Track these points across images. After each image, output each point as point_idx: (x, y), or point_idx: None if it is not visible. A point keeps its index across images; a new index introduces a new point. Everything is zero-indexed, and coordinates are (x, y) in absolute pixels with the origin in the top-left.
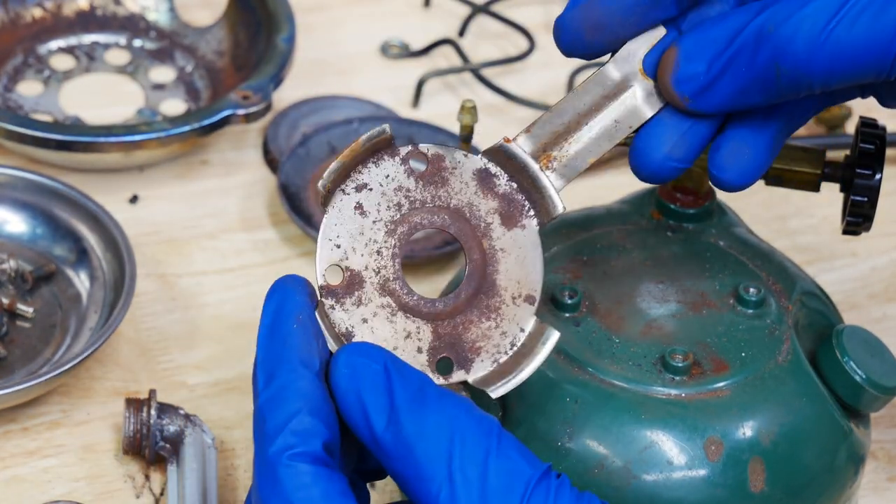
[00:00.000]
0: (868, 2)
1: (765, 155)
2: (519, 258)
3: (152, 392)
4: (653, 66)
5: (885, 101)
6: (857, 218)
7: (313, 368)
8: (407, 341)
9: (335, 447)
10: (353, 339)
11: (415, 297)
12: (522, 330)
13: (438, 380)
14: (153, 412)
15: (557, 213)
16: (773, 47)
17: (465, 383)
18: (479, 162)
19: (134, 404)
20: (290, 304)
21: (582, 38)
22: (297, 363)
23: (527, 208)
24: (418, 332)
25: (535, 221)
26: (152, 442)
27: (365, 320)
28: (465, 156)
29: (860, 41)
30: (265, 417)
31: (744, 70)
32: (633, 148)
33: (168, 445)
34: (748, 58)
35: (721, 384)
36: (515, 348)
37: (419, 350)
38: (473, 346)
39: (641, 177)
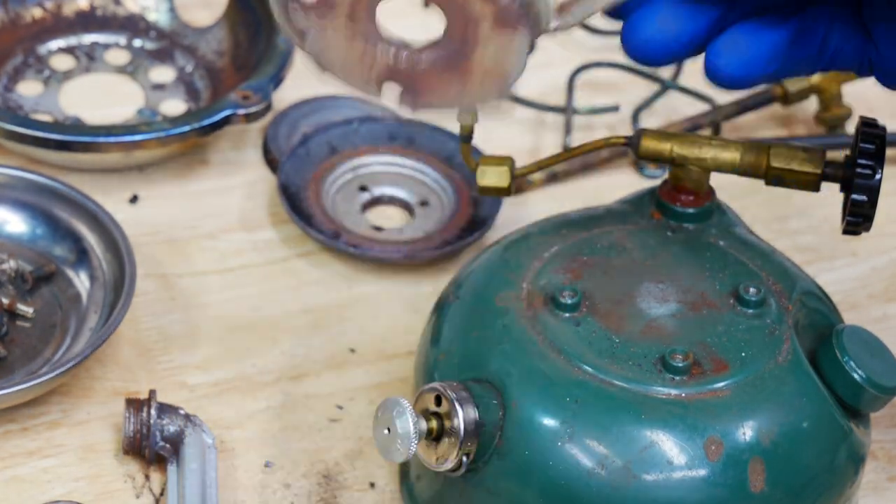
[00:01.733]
0: None
1: (768, 51)
2: (499, 51)
3: (152, 392)
4: None
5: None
6: (858, 218)
7: None
8: (361, 61)
9: None
10: (307, 39)
11: (379, 32)
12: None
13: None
14: (153, 412)
15: (550, 27)
16: None
17: None
18: None
19: (134, 404)
20: None
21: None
22: None
23: (521, 18)
24: (372, 59)
25: (527, 32)
26: (152, 442)
27: (324, 29)
28: None
29: None
30: None
31: None
32: (625, 22)
33: (168, 445)
34: None
35: (721, 384)
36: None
37: (370, 69)
38: (428, 88)
39: (630, 51)
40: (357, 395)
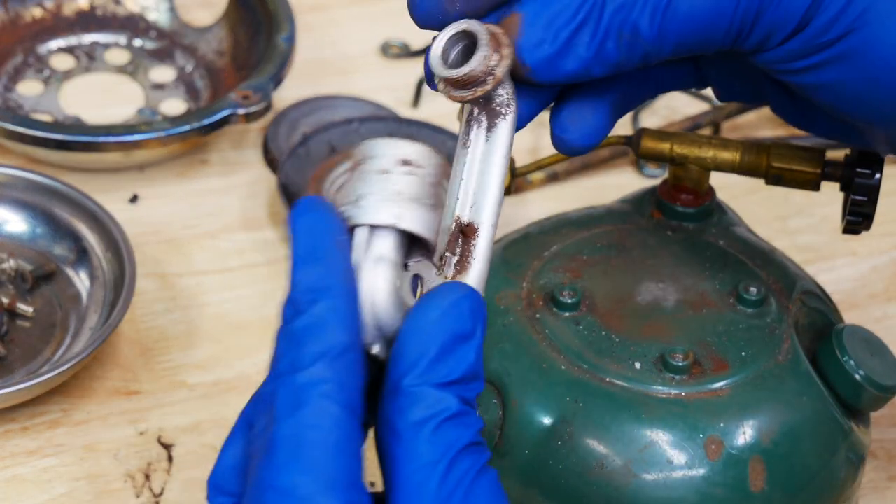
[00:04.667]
0: None
1: (605, 119)
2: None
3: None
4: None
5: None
6: (857, 217)
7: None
8: None
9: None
10: None
11: None
12: None
13: None
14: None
15: None
16: (619, 15)
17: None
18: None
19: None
20: (324, 223)
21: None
22: (341, 290)
23: None
24: None
25: None
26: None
27: None
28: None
29: (705, 7)
30: (301, 342)
31: (588, 40)
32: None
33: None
34: (593, 27)
35: (721, 383)
36: None
37: None
38: None
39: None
40: None
